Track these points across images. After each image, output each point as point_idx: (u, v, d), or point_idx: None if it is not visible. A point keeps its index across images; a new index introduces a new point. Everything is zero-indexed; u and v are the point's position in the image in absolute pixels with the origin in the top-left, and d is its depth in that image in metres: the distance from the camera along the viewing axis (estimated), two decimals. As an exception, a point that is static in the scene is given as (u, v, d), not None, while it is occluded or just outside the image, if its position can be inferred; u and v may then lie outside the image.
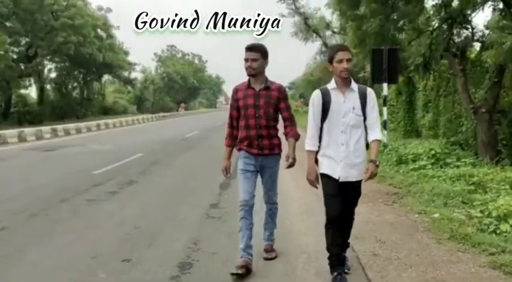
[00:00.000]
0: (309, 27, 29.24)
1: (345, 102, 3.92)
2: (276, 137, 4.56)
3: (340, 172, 3.93)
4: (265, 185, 4.67)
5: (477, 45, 13.77)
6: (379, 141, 4.04)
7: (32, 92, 48.37)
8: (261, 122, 4.40)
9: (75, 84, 52.31)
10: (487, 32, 12.65)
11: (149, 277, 4.31)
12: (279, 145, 4.61)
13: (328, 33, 29.64)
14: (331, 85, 3.99)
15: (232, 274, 4.13)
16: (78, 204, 7.49)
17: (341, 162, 3.92)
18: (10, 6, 34.37)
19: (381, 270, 4.39)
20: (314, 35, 29.94)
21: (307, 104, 48.15)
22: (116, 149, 16.74)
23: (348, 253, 4.87)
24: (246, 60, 4.37)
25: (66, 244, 5.36)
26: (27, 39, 40.18)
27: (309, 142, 4.05)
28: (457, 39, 13.20)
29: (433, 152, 10.37)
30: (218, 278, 4.28)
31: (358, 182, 4.08)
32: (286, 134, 4.63)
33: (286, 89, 4.74)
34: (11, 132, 20.66)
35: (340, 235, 4.12)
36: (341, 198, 4.00)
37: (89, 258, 4.85)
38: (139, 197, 8.09)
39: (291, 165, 4.56)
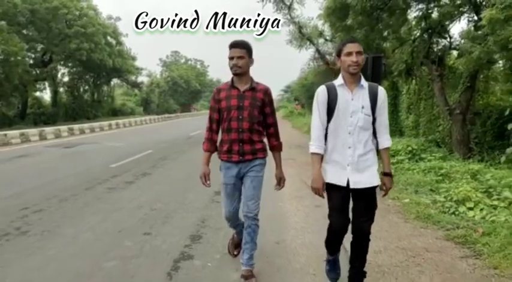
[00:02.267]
0: (303, 36, 29.46)
1: (353, 100, 3.38)
2: (258, 142, 3.96)
3: (349, 177, 3.40)
4: (246, 193, 3.98)
5: (455, 53, 14.32)
6: (388, 148, 3.55)
7: (45, 95, 49.06)
8: (244, 125, 3.84)
9: (86, 87, 52.74)
10: (463, 41, 13.25)
11: (167, 245, 4.99)
12: (263, 150, 4.02)
13: (321, 41, 29.91)
14: (338, 81, 3.45)
15: (229, 253, 4.63)
16: (101, 191, 8.14)
17: (348, 166, 3.40)
18: (27, 16, 34.94)
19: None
20: (308, 42, 30.24)
21: (301, 106, 48.51)
22: (128, 146, 17.34)
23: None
24: (231, 58, 3.84)
25: (95, 222, 6.03)
26: (42, 46, 40.71)
27: (314, 144, 3.47)
28: (436, 48, 13.85)
29: (410, 148, 11.09)
30: (222, 246, 4.92)
31: (372, 190, 3.47)
32: (272, 146, 4.15)
33: (272, 92, 4.15)
34: (33, 131, 21.28)
35: (339, 247, 3.77)
36: (347, 212, 3.53)
37: (116, 232, 5.54)
38: (153, 186, 8.70)
39: (281, 187, 4.18)
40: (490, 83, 13.84)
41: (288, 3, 28.73)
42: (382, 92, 3.45)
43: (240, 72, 3.85)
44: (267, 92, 3.99)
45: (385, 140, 3.50)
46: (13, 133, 19.61)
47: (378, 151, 3.57)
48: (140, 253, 4.74)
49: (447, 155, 11.19)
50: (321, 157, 3.48)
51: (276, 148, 4.17)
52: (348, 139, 3.39)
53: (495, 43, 8.78)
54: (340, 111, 3.38)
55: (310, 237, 5.30)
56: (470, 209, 6.19)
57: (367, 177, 3.41)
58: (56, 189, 8.29)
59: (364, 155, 3.42)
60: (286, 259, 4.59)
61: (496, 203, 6.24)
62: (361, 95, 3.40)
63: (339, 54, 3.44)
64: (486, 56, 9.55)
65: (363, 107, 3.37)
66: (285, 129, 25.81)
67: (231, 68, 3.86)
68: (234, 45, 3.87)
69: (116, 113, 56.79)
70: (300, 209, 6.74)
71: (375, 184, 3.44)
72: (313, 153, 3.48)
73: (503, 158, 10.08)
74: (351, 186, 3.39)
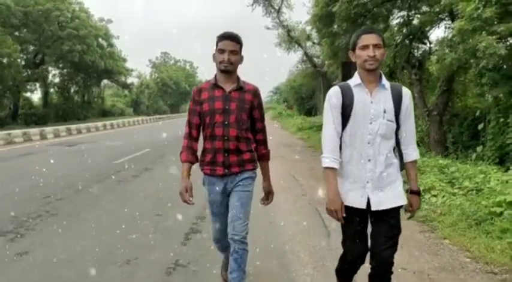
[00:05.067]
0: (291, 39, 30.54)
1: (372, 103, 2.84)
2: (247, 152, 3.42)
3: (370, 197, 2.86)
4: (232, 211, 3.40)
5: (435, 58, 15.36)
6: (416, 162, 3.01)
7: (34, 96, 49.73)
8: (231, 132, 3.30)
9: (77, 88, 53.50)
10: (437, 48, 14.34)
11: (177, 224, 5.99)
12: (252, 160, 3.48)
13: (308, 44, 31.05)
14: (354, 80, 2.91)
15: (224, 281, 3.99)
16: (110, 184, 9.14)
17: (368, 183, 2.87)
18: (20, 17, 35.69)
19: (335, 221, 6.13)
20: (296, 45, 31.30)
21: (289, 108, 49.33)
22: (126, 145, 18.31)
23: (314, 213, 6.67)
24: (222, 51, 3.27)
25: (112, 208, 7.03)
26: (33, 47, 41.42)
27: (329, 156, 2.88)
28: (416, 53, 14.96)
29: (390, 146, 12.17)
30: (224, 225, 5.97)
31: (396, 212, 2.91)
32: (260, 155, 3.57)
33: (261, 93, 3.58)
34: (34, 131, 22.31)
35: (352, 278, 3.27)
36: (366, 238, 3.00)
37: (131, 215, 6.51)
38: (156, 179, 9.65)
39: (269, 202, 3.65)
40: (470, 85, 14.91)
41: (277, 8, 29.94)
42: (407, 94, 2.93)
43: (231, 69, 3.31)
44: (256, 92, 3.46)
45: (412, 151, 2.96)
46: (16, 132, 20.69)
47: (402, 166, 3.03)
48: (156, 229, 5.75)
49: (424, 153, 12.29)
50: (336, 172, 2.92)
51: (265, 157, 3.61)
52: (367, 150, 2.86)
53: (465, 51, 9.82)
54: (358, 117, 2.85)
55: (297, 218, 6.36)
56: (434, 196, 7.26)
57: (391, 196, 2.87)
58: (69, 182, 9.25)
59: (386, 169, 2.88)
60: (278, 233, 5.63)
61: (456, 191, 7.31)
62: (383, 97, 2.87)
63: (353, 48, 2.90)
64: (457, 62, 10.58)
65: (384, 112, 2.84)
66: (275, 130, 26.93)
67: (220, 63, 3.29)
68: (228, 37, 3.31)
69: (106, 113, 57.58)
70: (289, 197, 7.78)
71: (401, 204, 2.92)
72: (327, 168, 2.89)
73: (474, 156, 11.23)
74: (372, 208, 2.85)
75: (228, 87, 3.36)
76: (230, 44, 3.28)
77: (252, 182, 3.49)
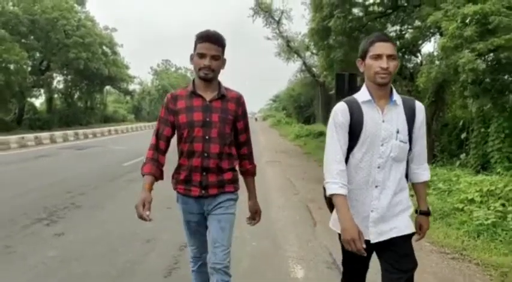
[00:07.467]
0: (290, 49, 31.51)
1: (384, 122, 2.47)
2: (228, 171, 2.95)
3: (372, 228, 2.49)
4: (212, 237, 2.91)
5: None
6: (427, 182, 2.70)
7: (37, 101, 50.80)
8: (211, 148, 2.85)
9: (80, 94, 54.48)
10: (424, 62, 15.32)
11: (185, 215, 7.01)
12: (234, 181, 3.00)
13: (307, 54, 32.04)
14: (363, 96, 2.52)
15: None
16: (122, 182, 10.19)
17: (372, 212, 2.49)
18: (28, 25, 36.85)
19: (322, 215, 7.14)
20: (295, 55, 32.25)
21: (288, 115, 50.07)
22: (131, 149, 19.24)
23: (304, 208, 7.68)
24: (202, 55, 2.77)
25: (127, 202, 7.95)
26: (39, 54, 42.53)
27: (335, 181, 2.44)
28: (408, 65, 15.99)
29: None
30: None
31: (405, 241, 2.51)
32: (244, 171, 3.13)
33: (245, 101, 3.06)
34: (44, 135, 23.48)
35: None
36: (365, 272, 2.72)
37: (145, 207, 7.53)
38: (164, 179, 10.66)
39: (256, 222, 3.19)
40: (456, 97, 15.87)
41: (277, 19, 31.10)
42: (420, 109, 2.57)
43: (212, 76, 2.83)
44: (239, 100, 2.99)
45: (423, 171, 2.64)
46: (28, 136, 21.94)
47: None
48: (167, 218, 6.71)
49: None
50: (346, 198, 2.44)
51: (250, 173, 3.15)
52: (375, 175, 2.49)
53: (447, 66, 10.80)
54: (369, 138, 2.48)
55: (288, 212, 7.40)
56: (411, 195, 8.22)
57: (398, 224, 2.50)
58: (85, 180, 10.29)
59: (396, 196, 2.51)
60: (271, 222, 6.64)
61: (431, 191, 8.31)
62: (395, 115, 2.51)
63: (363, 56, 2.51)
64: (442, 76, 11.58)
65: (398, 132, 2.48)
66: (273, 137, 27.92)
67: (200, 70, 2.81)
68: (209, 39, 2.80)
69: (108, 119, 58.50)
70: (282, 195, 8.81)
71: (408, 232, 2.52)
72: (334, 195, 2.43)
73: (457, 163, 12.22)
74: (373, 241, 2.49)
75: (209, 95, 2.88)
76: (212, 48, 2.78)
77: (234, 204, 3.01)
